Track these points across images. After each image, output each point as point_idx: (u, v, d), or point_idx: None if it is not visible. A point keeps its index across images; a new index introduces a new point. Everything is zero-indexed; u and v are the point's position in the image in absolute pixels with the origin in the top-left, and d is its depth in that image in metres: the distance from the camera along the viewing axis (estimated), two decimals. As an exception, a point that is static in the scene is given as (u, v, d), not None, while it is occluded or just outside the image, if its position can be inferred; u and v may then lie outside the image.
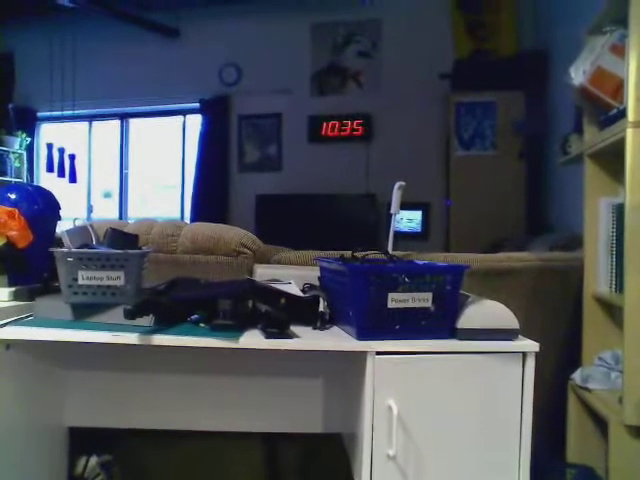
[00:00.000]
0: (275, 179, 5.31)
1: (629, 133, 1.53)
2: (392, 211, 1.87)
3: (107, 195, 6.09)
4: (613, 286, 1.81)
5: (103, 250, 1.36)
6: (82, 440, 1.73)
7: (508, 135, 4.18)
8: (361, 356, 1.25)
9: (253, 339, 1.26)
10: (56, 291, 1.40)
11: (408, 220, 4.84)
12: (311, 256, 1.82)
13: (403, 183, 1.85)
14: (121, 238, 1.45)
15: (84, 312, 1.34)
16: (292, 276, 1.58)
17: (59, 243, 1.41)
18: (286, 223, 4.88)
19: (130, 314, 1.20)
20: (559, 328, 1.96)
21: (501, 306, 1.30)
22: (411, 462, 1.24)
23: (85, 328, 1.29)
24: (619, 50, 1.74)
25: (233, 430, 1.71)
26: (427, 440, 1.25)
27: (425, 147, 4.88)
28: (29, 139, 5.63)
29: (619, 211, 1.77)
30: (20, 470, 1.44)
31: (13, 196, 1.53)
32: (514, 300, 1.42)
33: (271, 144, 5.38)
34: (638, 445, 1.52)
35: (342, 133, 5.14)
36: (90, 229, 1.49)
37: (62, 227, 1.48)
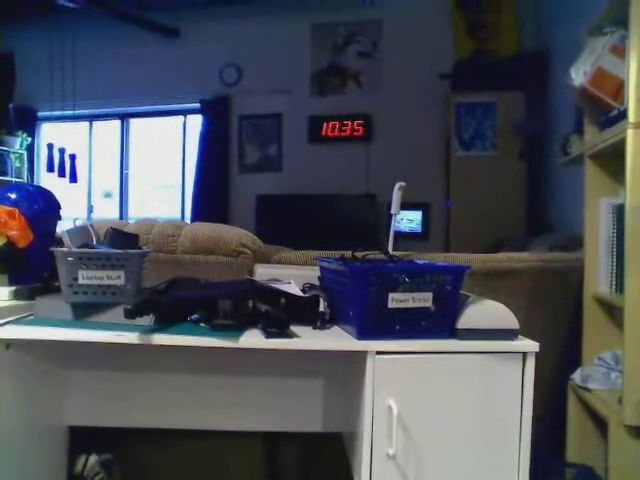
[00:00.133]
0: (275, 179, 5.31)
1: (629, 134, 1.53)
2: (392, 211, 1.87)
3: (107, 195, 6.09)
4: (613, 287, 1.81)
5: (103, 250, 1.36)
6: (82, 439, 1.73)
7: (508, 135, 4.18)
8: (361, 356, 1.25)
9: (253, 339, 1.26)
10: (56, 290, 1.40)
11: (408, 220, 4.84)
12: (311, 256, 1.82)
13: (403, 183, 1.85)
14: (121, 238, 1.45)
15: (84, 312, 1.34)
16: (292, 276, 1.58)
17: (59, 243, 1.41)
18: (286, 223, 4.88)
19: (130, 314, 1.20)
20: (559, 328, 1.96)
21: (501, 306, 1.30)
22: (411, 462, 1.24)
23: (85, 327, 1.29)
24: (620, 51, 1.75)
25: (233, 429, 1.72)
26: (427, 440, 1.25)
27: (425, 147, 4.88)
28: (29, 139, 5.63)
29: (619, 212, 1.77)
30: (20, 469, 1.44)
31: (13, 196, 1.53)
32: (514, 300, 1.42)
33: (271, 144, 5.38)
34: (638, 445, 1.52)
35: (342, 133, 5.14)
36: (90, 229, 1.49)
37: (62, 227, 1.48)
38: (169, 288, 1.41)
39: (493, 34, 4.54)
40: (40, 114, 5.87)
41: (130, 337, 1.24)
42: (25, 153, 5.56)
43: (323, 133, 5.18)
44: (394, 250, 1.71)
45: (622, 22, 1.69)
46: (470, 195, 4.21)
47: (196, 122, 5.62)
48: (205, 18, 5.36)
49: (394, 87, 5.03)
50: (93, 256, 1.32)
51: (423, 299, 1.26)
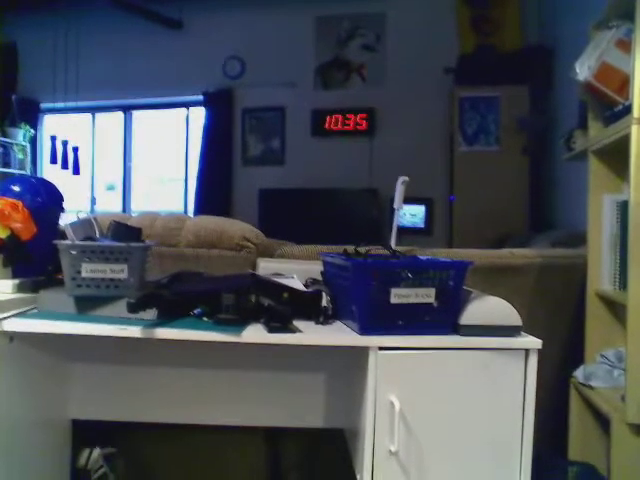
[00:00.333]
0: (278, 173, 5.31)
1: (634, 129, 1.52)
2: (395, 206, 1.86)
3: (110, 188, 6.09)
4: (616, 283, 1.80)
5: (106, 243, 1.36)
6: (85, 432, 1.74)
7: (512, 131, 4.16)
8: (364, 351, 1.25)
9: (256, 333, 1.26)
10: (60, 283, 1.41)
11: (411, 215, 4.83)
12: (314, 251, 1.82)
13: (406, 178, 1.84)
14: (124, 231, 1.46)
15: (87, 305, 1.34)
16: (295, 270, 1.58)
17: (63, 235, 1.41)
18: (289, 217, 4.88)
19: (133, 307, 1.20)
20: (561, 325, 1.96)
21: (504, 302, 1.30)
22: (413, 458, 1.24)
23: (88, 321, 1.29)
24: (625, 45, 1.73)
25: (235, 424, 1.72)
26: (429, 436, 1.25)
27: (428, 142, 4.87)
28: (32, 131, 5.63)
29: (623, 208, 1.76)
30: (24, 462, 1.44)
31: (17, 188, 1.53)
32: (517, 297, 1.42)
33: (274, 138, 5.37)
34: (640, 443, 1.52)
35: (345, 127, 5.12)
36: (93, 222, 1.49)
37: (65, 220, 1.48)
38: (172, 282, 1.41)
39: (497, 28, 4.52)
40: (43, 106, 5.85)
41: (133, 331, 1.24)
42: (28, 145, 5.56)
43: (326, 127, 5.16)
44: (397, 245, 1.71)
45: (628, 16, 1.67)
46: (473, 190, 4.20)
47: (199, 115, 5.61)
48: (209, 10, 5.34)
49: (398, 81, 5.01)
50: (96, 249, 1.33)
51: (426, 295, 1.26)
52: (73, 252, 1.32)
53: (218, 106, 5.42)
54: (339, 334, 1.29)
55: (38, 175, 5.77)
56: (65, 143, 5.01)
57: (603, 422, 1.75)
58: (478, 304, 1.30)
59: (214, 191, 5.35)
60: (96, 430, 1.76)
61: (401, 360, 1.24)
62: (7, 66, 5.70)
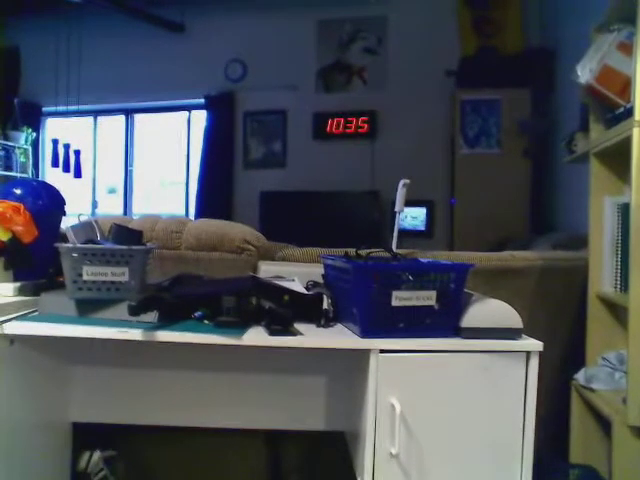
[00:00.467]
0: (280, 176, 5.31)
1: (636, 132, 1.52)
2: (396, 209, 1.86)
3: (112, 191, 6.10)
4: (618, 286, 1.80)
5: (108, 246, 1.36)
6: (86, 435, 1.74)
7: (513, 133, 4.16)
8: (365, 354, 1.25)
9: (257, 336, 1.26)
10: (61, 286, 1.41)
11: (412, 218, 4.83)
12: (315, 253, 1.82)
13: (408, 181, 1.84)
14: (125, 234, 1.46)
15: (88, 308, 1.34)
16: (296, 273, 1.58)
17: (64, 238, 1.41)
18: (290, 220, 4.88)
19: (134, 310, 1.20)
20: (563, 327, 1.95)
21: (505, 305, 1.30)
22: (413, 461, 1.24)
23: (89, 324, 1.29)
24: (627, 48, 1.73)
25: (236, 427, 1.72)
26: (430, 439, 1.25)
27: (430, 145, 4.87)
28: (34, 134, 5.64)
29: (624, 210, 1.76)
30: (24, 465, 1.44)
31: (18, 191, 1.54)
32: (518, 299, 1.42)
33: (276, 141, 5.37)
34: (641, 446, 1.51)
35: (347, 130, 5.13)
36: (95, 225, 1.49)
37: (67, 222, 1.48)
38: (173, 285, 1.41)
39: (499, 31, 4.52)
40: (45, 109, 5.87)
41: (134, 334, 1.24)
42: (30, 148, 5.57)
43: (328, 130, 5.16)
44: (398, 248, 1.71)
45: (629, 19, 1.67)
46: (474, 193, 4.20)
47: (201, 118, 5.62)
48: (210, 13, 5.35)
49: (399, 84, 5.01)
50: (97, 252, 1.33)
51: (427, 297, 1.26)
52: (74, 255, 1.32)
53: (220, 109, 5.43)
54: (340, 337, 1.29)
55: (40, 178, 5.78)
56: (67, 146, 5.02)
57: (604, 425, 1.74)
58: (479, 307, 1.30)
59: (215, 194, 5.36)
60: (96, 433, 1.75)
61: (402, 363, 1.24)
62: (10, 70, 5.72)
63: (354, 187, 4.98)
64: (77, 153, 5.06)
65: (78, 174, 5.09)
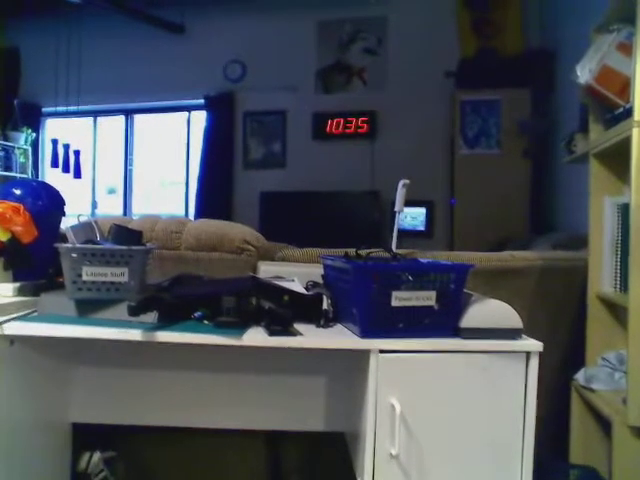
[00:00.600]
0: (279, 176, 5.31)
1: (635, 132, 1.52)
2: (396, 209, 1.86)
3: (111, 191, 6.10)
4: (617, 286, 1.80)
5: (107, 246, 1.36)
6: (86, 436, 1.74)
7: (513, 134, 4.17)
8: (364, 354, 1.25)
9: (256, 336, 1.26)
10: (61, 287, 1.41)
11: (412, 218, 4.83)
12: (315, 254, 1.82)
13: (407, 181, 1.84)
14: (125, 234, 1.46)
15: (88, 308, 1.34)
16: (296, 273, 1.58)
17: (64, 239, 1.41)
18: (290, 220, 4.88)
19: (134, 311, 1.20)
20: (562, 328, 1.95)
21: (505, 305, 1.30)
22: (414, 461, 1.24)
23: (89, 324, 1.29)
24: (626, 48, 1.73)
25: (236, 428, 1.72)
26: (430, 439, 1.25)
27: (430, 145, 4.87)
28: (34, 135, 5.64)
29: (624, 210, 1.76)
30: (24, 466, 1.44)
31: (18, 192, 1.54)
32: (517, 299, 1.42)
33: (276, 141, 5.37)
34: (641, 446, 1.51)
35: (347, 130, 5.13)
36: (94, 225, 1.49)
37: (66, 223, 1.48)
38: (172, 285, 1.41)
39: (498, 31, 4.52)
40: (45, 110, 5.87)
41: (134, 334, 1.24)
42: (30, 149, 5.58)
43: (327, 130, 5.17)
44: (398, 248, 1.71)
45: (629, 19, 1.67)
46: (474, 193, 4.20)
47: (200, 118, 5.62)
48: (210, 14, 5.35)
49: (399, 84, 5.01)
50: (97, 252, 1.33)
51: (426, 298, 1.26)
52: (74, 255, 1.32)
53: (219, 110, 5.43)
54: (340, 337, 1.29)
55: (39, 179, 5.78)
56: (66, 147, 5.02)
57: (604, 425, 1.74)
58: (479, 307, 1.30)
59: (215, 194, 5.36)
60: (96, 433, 1.75)
61: (402, 363, 1.24)
62: (10, 70, 5.72)
63: (354, 187, 4.98)
64: (77, 153, 5.06)
65: (78, 174, 5.09)
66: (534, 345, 1.25)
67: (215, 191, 5.36)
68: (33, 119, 5.79)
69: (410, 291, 1.25)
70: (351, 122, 5.11)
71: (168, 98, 5.64)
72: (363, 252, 1.51)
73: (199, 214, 5.37)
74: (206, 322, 1.32)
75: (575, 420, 1.86)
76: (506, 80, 4.19)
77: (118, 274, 1.33)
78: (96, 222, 1.51)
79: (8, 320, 1.29)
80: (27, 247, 1.47)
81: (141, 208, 5.94)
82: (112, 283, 1.33)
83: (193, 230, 1.91)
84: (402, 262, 1.47)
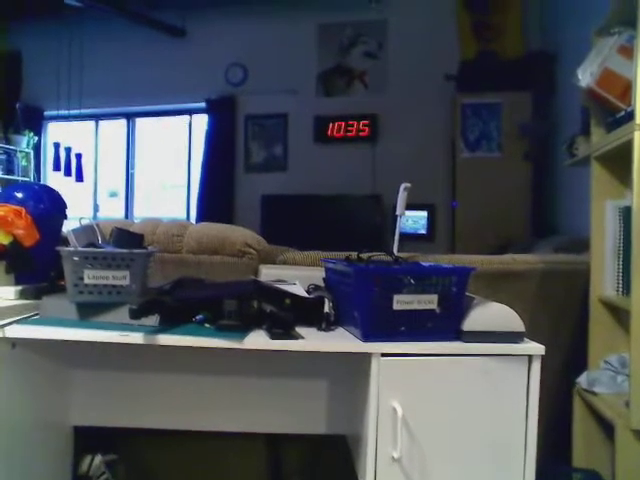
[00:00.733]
0: (281, 179, 5.31)
1: (637, 135, 1.52)
2: (397, 212, 1.86)
3: (113, 194, 6.11)
4: (620, 289, 1.79)
5: (109, 249, 1.36)
6: (87, 439, 1.74)
7: (514, 137, 4.17)
8: (366, 358, 1.25)
9: (258, 340, 1.25)
10: (62, 290, 1.41)
11: (413, 221, 4.83)
12: (316, 257, 1.82)
13: (409, 184, 1.84)
14: (127, 237, 1.46)
15: (90, 311, 1.34)
16: (297, 277, 1.58)
17: (65, 242, 1.41)
18: (291, 223, 4.88)
19: (135, 314, 1.20)
20: (564, 331, 1.95)
21: (507, 308, 1.30)
22: (415, 465, 1.23)
23: (90, 327, 1.29)
24: (627, 51, 1.73)
25: (237, 431, 1.72)
26: (432, 443, 1.24)
27: (431, 148, 4.87)
28: (36, 138, 5.65)
29: (626, 214, 1.76)
30: (25, 469, 1.44)
31: (20, 195, 1.54)
32: (519, 303, 1.41)
33: (277, 144, 5.38)
34: (644, 449, 1.51)
35: (348, 134, 5.14)
36: (96, 228, 1.49)
37: (68, 226, 1.48)
38: (174, 288, 1.41)
39: (499, 34, 4.53)
40: (47, 113, 5.89)
41: (135, 337, 1.24)
42: (32, 152, 5.59)
43: (329, 133, 5.17)
44: (399, 251, 1.71)
45: (630, 22, 1.67)
46: (475, 196, 4.20)
47: (202, 122, 5.63)
48: (211, 18, 5.37)
49: (400, 87, 5.02)
50: (99, 256, 1.33)
51: (428, 301, 1.26)
52: (75, 258, 1.32)
53: (221, 113, 5.44)
54: (341, 340, 1.29)
55: (41, 182, 5.79)
56: (68, 150, 5.03)
57: (607, 428, 1.74)
58: (481, 310, 1.30)
59: (216, 198, 5.36)
60: (98, 436, 1.75)
61: (403, 366, 1.24)
62: (12, 74, 5.74)
63: (355, 191, 4.99)
64: (78, 157, 5.07)
65: (79, 178, 5.10)
66: (536, 348, 1.25)
67: (216, 194, 5.37)
68: (35, 122, 5.81)
69: (412, 294, 1.24)
70: (352, 125, 5.12)
71: (169, 101, 5.65)
72: (365, 255, 1.51)
73: (200, 217, 5.38)
74: (207, 325, 1.32)
75: (577, 423, 1.85)
76: (507, 83, 4.20)
77: (119, 277, 1.33)
78: (98, 225, 1.51)
79: (10, 323, 1.29)
80: (29, 250, 1.47)
81: (143, 211, 5.95)
82: (113, 286, 1.33)
83: (194, 233, 1.91)
84: (404, 265, 1.47)
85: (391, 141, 5.03)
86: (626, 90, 1.71)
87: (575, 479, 1.69)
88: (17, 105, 5.70)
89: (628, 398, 1.53)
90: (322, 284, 1.55)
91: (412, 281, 1.24)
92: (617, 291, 1.81)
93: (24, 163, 5.50)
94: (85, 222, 1.50)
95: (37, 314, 1.39)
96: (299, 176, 5.24)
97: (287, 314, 1.29)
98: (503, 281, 1.83)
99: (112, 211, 5.98)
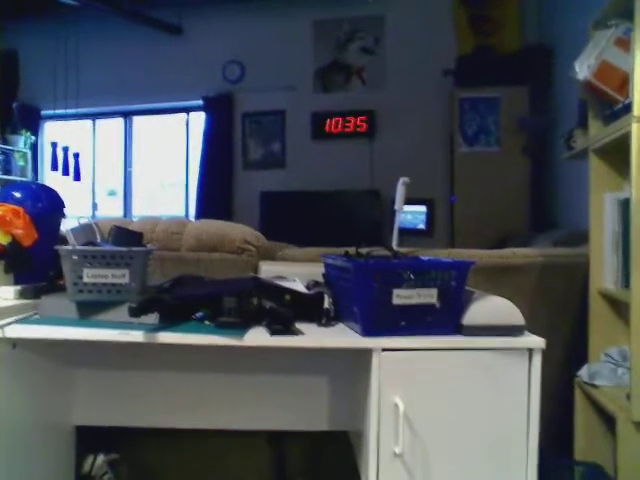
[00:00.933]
0: (279, 176, 5.31)
1: (634, 128, 1.52)
2: (396, 207, 1.86)
3: (111, 193, 6.10)
4: (619, 282, 1.79)
5: (108, 248, 1.36)
6: (89, 438, 1.74)
7: (512, 131, 4.16)
8: (367, 353, 1.25)
9: (258, 336, 1.25)
10: (62, 289, 1.41)
11: (412, 216, 4.82)
12: (316, 253, 1.82)
13: (407, 179, 1.84)
14: (126, 236, 1.46)
15: (89, 310, 1.34)
16: (297, 273, 1.58)
17: (64, 241, 1.41)
18: (290, 220, 4.88)
19: (135, 312, 1.20)
20: (564, 324, 1.95)
21: (506, 302, 1.30)
22: (418, 459, 1.24)
23: (90, 326, 1.29)
24: (624, 44, 1.73)
25: (239, 428, 1.72)
26: (433, 437, 1.25)
27: (429, 143, 4.87)
28: (33, 138, 5.64)
29: (625, 206, 1.76)
30: (27, 469, 1.44)
31: (18, 195, 1.54)
32: (519, 296, 1.41)
33: (275, 141, 5.37)
34: (646, 441, 1.51)
35: (346, 130, 5.13)
36: (95, 227, 1.49)
37: (67, 225, 1.48)
38: (173, 286, 1.41)
39: (496, 29, 4.52)
40: (44, 112, 5.87)
41: (135, 335, 1.24)
42: (29, 152, 5.57)
43: (326, 129, 5.16)
44: (398, 246, 1.71)
45: (627, 14, 1.67)
46: (474, 191, 4.19)
47: (199, 119, 5.62)
48: (207, 15, 5.35)
49: (397, 83, 5.01)
50: (97, 254, 1.32)
51: (428, 295, 1.26)
52: (74, 257, 1.32)
53: (218, 110, 5.43)
54: (342, 336, 1.29)
55: (39, 182, 5.78)
56: (66, 149, 5.02)
57: (608, 421, 1.74)
58: (480, 304, 1.30)
59: (215, 195, 5.36)
60: (100, 436, 1.75)
61: (404, 361, 1.24)
62: (8, 73, 5.71)
63: (354, 186, 4.98)
64: (76, 156, 5.06)
65: (77, 177, 5.09)
66: (536, 342, 1.25)
67: (215, 192, 5.36)
68: (32, 122, 5.79)
69: (411, 289, 1.25)
70: (350, 121, 5.11)
71: (167, 99, 5.63)
72: (364, 251, 1.51)
73: (199, 215, 5.37)
74: (207, 323, 1.32)
75: (579, 416, 1.85)
76: (504, 77, 4.19)
77: (119, 276, 1.33)
78: (96, 224, 1.50)
79: (9, 323, 1.29)
80: (27, 250, 1.47)
81: (141, 210, 5.94)
82: (113, 285, 1.33)
83: (193, 231, 1.91)
84: (403, 260, 1.47)
85: (389, 136, 5.02)
86: (623, 82, 1.71)
87: (577, 472, 1.69)
88: (14, 105, 5.68)
89: (629, 391, 1.53)
90: (322, 280, 1.55)
91: (411, 276, 1.24)
92: (616, 284, 1.81)
93: (22, 163, 5.48)
94: (84, 221, 1.50)
95: (37, 314, 1.39)
96: (297, 173, 5.24)
97: (287, 310, 1.29)
98: (503, 275, 1.83)
99: (111, 210, 5.97)
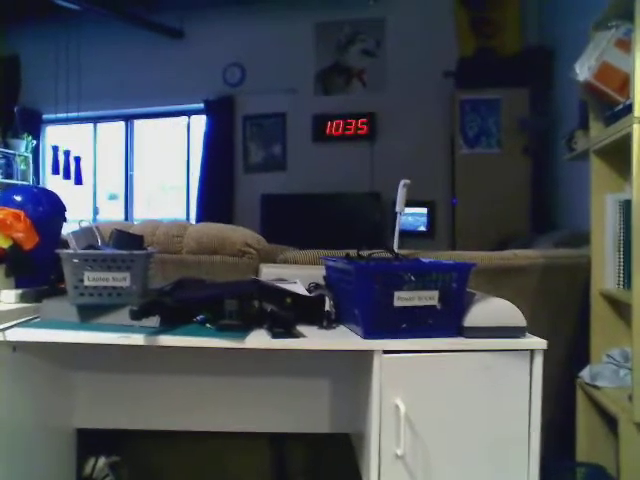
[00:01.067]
0: (280, 179, 5.31)
1: (635, 128, 1.52)
2: (397, 209, 1.86)
3: (113, 197, 6.11)
4: (621, 283, 1.79)
5: (109, 251, 1.36)
6: (90, 441, 1.74)
7: (513, 133, 4.16)
8: (368, 355, 1.25)
9: (259, 339, 1.25)
10: (62, 293, 1.40)
11: (413, 218, 4.82)
12: (316, 255, 1.82)
13: (408, 181, 1.84)
14: (126, 239, 1.46)
15: (90, 313, 1.34)
16: (298, 275, 1.58)
17: (65, 245, 1.41)
18: (291, 222, 4.88)
19: (136, 315, 1.20)
20: (566, 325, 1.95)
21: (508, 304, 1.30)
22: (419, 461, 1.23)
23: (91, 329, 1.29)
24: (625, 45, 1.73)
25: (240, 431, 1.71)
26: (435, 439, 1.24)
27: (430, 145, 4.87)
28: (35, 141, 5.65)
29: (626, 207, 1.76)
30: (29, 472, 1.44)
31: (19, 198, 1.54)
32: (520, 298, 1.41)
33: (276, 144, 5.37)
34: (648, 443, 1.51)
35: (346, 132, 5.13)
36: (96, 230, 1.49)
37: (68, 229, 1.48)
38: (174, 289, 1.41)
39: (497, 30, 4.52)
40: (45, 116, 5.89)
41: (136, 338, 1.24)
42: (30, 156, 5.58)
43: (327, 132, 5.17)
44: (399, 248, 1.71)
45: (627, 16, 1.67)
46: (475, 193, 4.19)
47: (200, 122, 5.62)
48: (209, 19, 5.37)
49: (398, 85, 5.02)
50: (98, 257, 1.33)
51: (429, 297, 1.26)
52: (75, 261, 1.32)
53: (219, 114, 5.44)
54: (343, 338, 1.28)
55: (40, 186, 5.78)
56: (67, 153, 5.03)
57: (610, 422, 1.74)
58: (482, 306, 1.29)
59: (216, 198, 5.36)
60: (101, 439, 1.75)
61: (406, 363, 1.24)
62: (10, 77, 5.73)
63: (354, 189, 4.98)
64: (77, 160, 5.07)
65: (79, 181, 5.10)
66: (538, 343, 1.25)
67: (216, 195, 5.37)
68: (33, 126, 5.81)
69: (412, 291, 1.24)
70: (351, 124, 5.11)
71: (168, 103, 5.65)
72: (365, 253, 1.51)
73: (200, 218, 5.37)
74: (208, 325, 1.32)
75: (581, 418, 1.85)
76: (505, 79, 4.19)
77: (120, 279, 1.33)
78: (97, 227, 1.50)
79: (11, 327, 1.29)
80: (28, 253, 1.47)
81: (142, 213, 5.95)
82: (114, 288, 1.33)
83: (194, 234, 1.91)
84: (404, 262, 1.47)
85: (390, 139, 5.02)
86: (624, 83, 1.71)
87: (579, 473, 1.69)
88: (15, 109, 5.70)
89: (631, 392, 1.53)
90: (323, 282, 1.55)
91: (412, 278, 1.24)
92: (618, 285, 1.81)
93: (23, 167, 5.49)
94: (85, 225, 1.50)
95: (38, 317, 1.39)
96: (298, 175, 5.24)
97: (288, 313, 1.29)
98: (504, 276, 1.83)
99: (112, 213, 5.98)
